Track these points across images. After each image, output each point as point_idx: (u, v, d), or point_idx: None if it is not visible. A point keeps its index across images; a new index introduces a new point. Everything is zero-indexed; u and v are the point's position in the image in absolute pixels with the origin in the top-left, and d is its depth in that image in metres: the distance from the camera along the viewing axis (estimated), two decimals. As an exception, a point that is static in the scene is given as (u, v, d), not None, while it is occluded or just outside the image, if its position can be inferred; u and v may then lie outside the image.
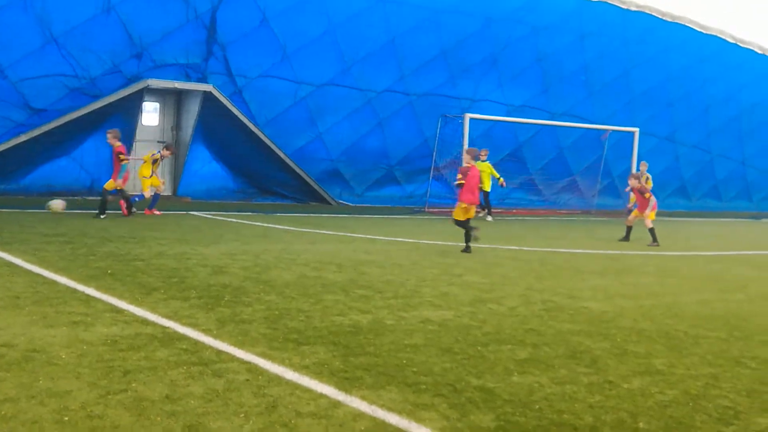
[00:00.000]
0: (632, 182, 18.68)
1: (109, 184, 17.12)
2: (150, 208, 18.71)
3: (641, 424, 4.94)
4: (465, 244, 14.14)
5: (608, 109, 30.57)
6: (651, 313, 8.76)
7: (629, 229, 18.36)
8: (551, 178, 30.17)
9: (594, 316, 8.45)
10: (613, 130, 29.32)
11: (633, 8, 29.25)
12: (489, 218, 23.51)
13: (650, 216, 17.92)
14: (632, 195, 19.23)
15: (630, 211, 20.14)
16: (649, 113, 31.60)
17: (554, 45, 28.33)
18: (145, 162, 18.84)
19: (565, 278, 11.34)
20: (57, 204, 17.25)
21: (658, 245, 17.12)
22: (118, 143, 17.17)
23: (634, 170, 27.94)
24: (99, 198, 17.47)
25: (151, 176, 18.80)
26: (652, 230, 17.60)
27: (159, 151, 19.40)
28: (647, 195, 18.20)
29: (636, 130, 29.13)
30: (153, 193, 19.00)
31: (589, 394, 5.50)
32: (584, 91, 30.02)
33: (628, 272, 12.51)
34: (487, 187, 23.35)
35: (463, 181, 14.20)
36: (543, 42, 28.05)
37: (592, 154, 30.21)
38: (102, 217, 16.60)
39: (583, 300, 9.43)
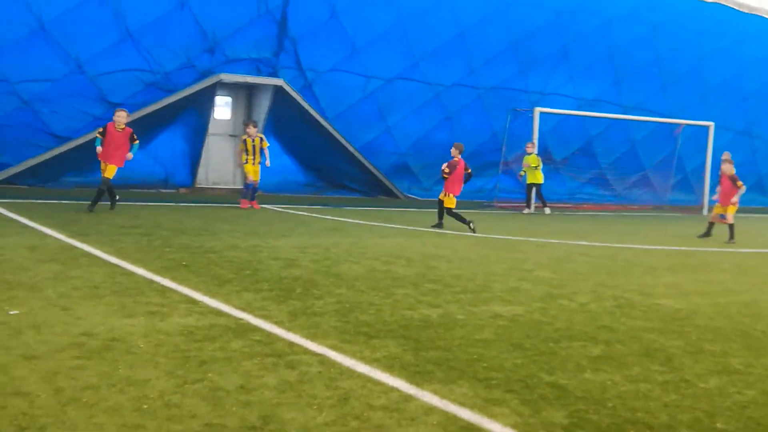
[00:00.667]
0: (726, 167, 17.70)
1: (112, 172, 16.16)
2: (250, 199, 18.96)
3: (719, 425, 4.85)
4: (469, 227, 16.06)
5: (681, 102, 29.93)
6: (727, 311, 8.58)
7: (711, 225, 17.78)
8: (622, 172, 29.68)
9: (667, 313, 8.31)
10: (687, 124, 28.71)
11: (707, -1, 28.63)
12: (547, 210, 23.48)
13: (731, 210, 17.28)
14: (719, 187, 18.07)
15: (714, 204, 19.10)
16: (723, 106, 30.83)
17: (626, 37, 27.85)
18: (240, 150, 19.37)
19: (637, 275, 11.18)
20: None
21: (734, 242, 16.70)
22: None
23: (708, 165, 27.36)
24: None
25: (247, 162, 19.18)
26: (732, 227, 17.13)
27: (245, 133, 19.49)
28: (739, 183, 17.49)
29: (711, 124, 28.43)
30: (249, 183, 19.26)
31: (664, 392, 5.42)
32: (657, 84, 29.47)
33: (703, 269, 12.27)
34: (540, 179, 23.39)
35: (447, 176, 16.42)
36: (615, 34, 27.60)
37: (664, 149, 29.63)
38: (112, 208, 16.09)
39: (656, 297, 9.29)
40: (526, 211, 23.66)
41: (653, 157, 30.02)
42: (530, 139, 24.64)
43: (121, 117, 16.18)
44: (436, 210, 17.01)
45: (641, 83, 29.03)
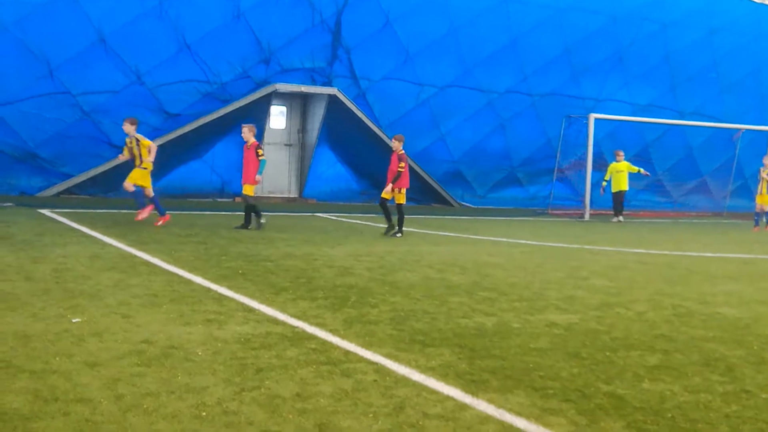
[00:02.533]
0: None
1: (249, 189, 15.36)
2: (139, 207, 15.57)
3: (781, 437, 4.76)
4: (392, 226, 15.30)
5: (740, 106, 29.41)
6: (789, 321, 8.40)
7: None
8: (679, 179, 29.28)
9: (728, 322, 8.16)
10: (746, 129, 28.19)
11: (766, 2, 28.09)
12: (620, 219, 23.32)
13: None
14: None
15: None
16: (783, 110, 30.26)
17: (683, 41, 27.50)
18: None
19: (696, 282, 10.99)
20: None
21: None
22: (253, 138, 15.49)
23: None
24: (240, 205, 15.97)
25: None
26: None
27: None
28: None
29: (771, 128, 27.98)
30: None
31: (725, 403, 5.33)
32: (714, 88, 28.99)
33: (764, 277, 12.02)
34: (625, 187, 23.37)
35: (403, 170, 15.19)
36: (671, 39, 27.27)
37: (723, 155, 29.14)
38: (263, 221, 15.29)
39: (715, 305, 9.13)
40: (620, 219, 23.47)
41: (711, 163, 29.54)
42: (585, 145, 24.49)
43: (246, 133, 15.40)
44: (383, 215, 15.59)
45: (698, 88, 28.61)
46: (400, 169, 15.20)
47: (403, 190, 15.40)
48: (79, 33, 19.54)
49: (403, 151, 15.36)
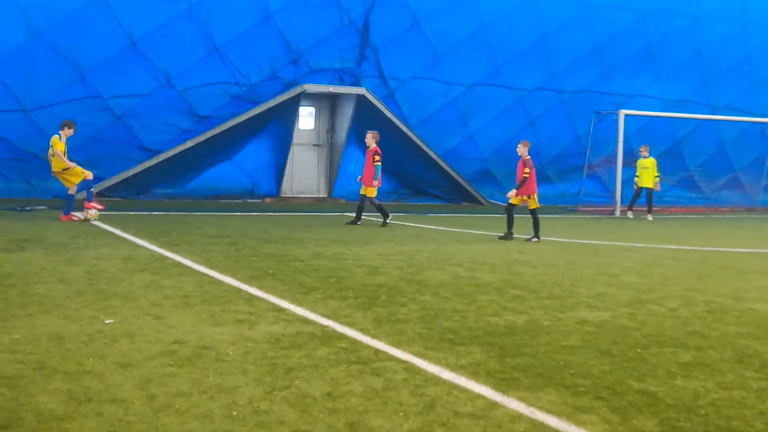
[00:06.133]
0: None
1: (371, 191, 16.97)
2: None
3: (817, 434, 4.70)
4: (511, 234, 15.16)
5: (774, 100, 29.06)
6: (825, 316, 8.28)
7: None
8: (712, 174, 28.96)
9: (762, 318, 8.07)
10: (780, 123, 27.87)
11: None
12: (649, 217, 23.02)
13: None
14: None
15: None
16: (818, 104, 29.82)
17: (715, 35, 27.18)
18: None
19: (729, 278, 10.87)
20: None
21: None
22: (374, 144, 17.09)
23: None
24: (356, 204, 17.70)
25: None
26: None
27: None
28: None
29: (805, 122, 27.61)
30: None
31: (760, 400, 5.27)
32: (747, 82, 28.63)
33: (799, 273, 11.86)
34: (650, 184, 22.96)
35: (528, 175, 15.05)
36: (702, 33, 26.97)
37: (756, 149, 28.80)
38: (359, 223, 17.06)
39: (749, 301, 9.02)
40: (649, 217, 23.04)
41: (744, 158, 29.19)
42: (615, 141, 24.29)
43: (368, 138, 17.25)
44: (532, 222, 15.26)
45: (731, 82, 28.26)
46: (525, 175, 15.07)
47: (534, 196, 15.24)
48: (110, 38, 19.75)
49: (528, 157, 15.17)
